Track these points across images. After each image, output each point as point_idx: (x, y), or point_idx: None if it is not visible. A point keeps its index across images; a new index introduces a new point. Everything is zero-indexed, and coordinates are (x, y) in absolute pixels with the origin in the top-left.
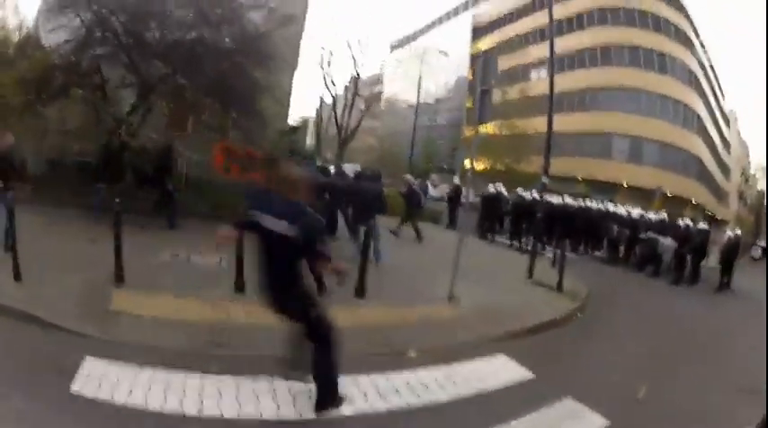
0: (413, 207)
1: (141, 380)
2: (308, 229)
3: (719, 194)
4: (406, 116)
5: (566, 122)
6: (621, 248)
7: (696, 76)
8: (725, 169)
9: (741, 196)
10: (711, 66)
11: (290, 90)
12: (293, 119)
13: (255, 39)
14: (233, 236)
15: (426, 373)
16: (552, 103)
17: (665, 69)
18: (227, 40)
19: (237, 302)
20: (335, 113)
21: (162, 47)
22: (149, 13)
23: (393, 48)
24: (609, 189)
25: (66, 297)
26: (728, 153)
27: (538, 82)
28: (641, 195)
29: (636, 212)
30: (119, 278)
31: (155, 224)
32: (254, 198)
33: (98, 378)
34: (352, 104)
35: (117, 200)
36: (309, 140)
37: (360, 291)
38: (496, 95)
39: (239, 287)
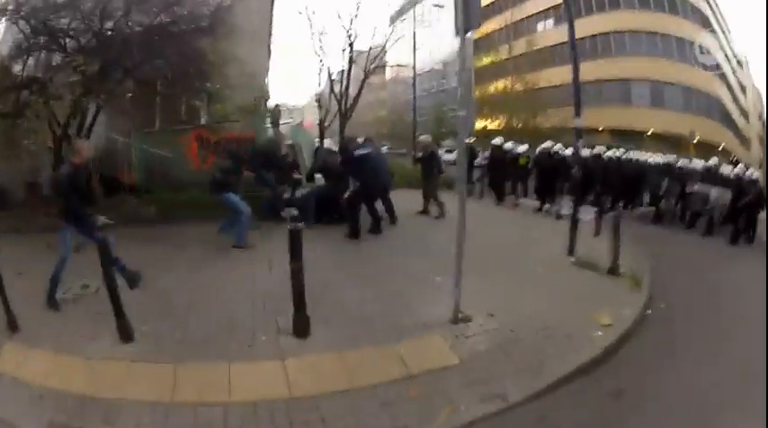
0: (432, 174)
1: None
2: None
3: (743, 139)
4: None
5: (581, 71)
6: (665, 203)
7: (708, 18)
8: (744, 113)
9: (761, 141)
10: (718, 6)
11: (265, 63)
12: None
13: (211, 14)
14: None
15: None
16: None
17: (676, 10)
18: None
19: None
20: (332, 86)
21: (99, 38)
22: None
23: (392, 20)
24: (632, 137)
25: None
26: (745, 96)
27: (545, 33)
28: (667, 142)
29: (681, 161)
30: (11, 326)
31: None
32: None
33: None
34: (349, 75)
35: None
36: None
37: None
38: (503, 51)
39: (125, 335)
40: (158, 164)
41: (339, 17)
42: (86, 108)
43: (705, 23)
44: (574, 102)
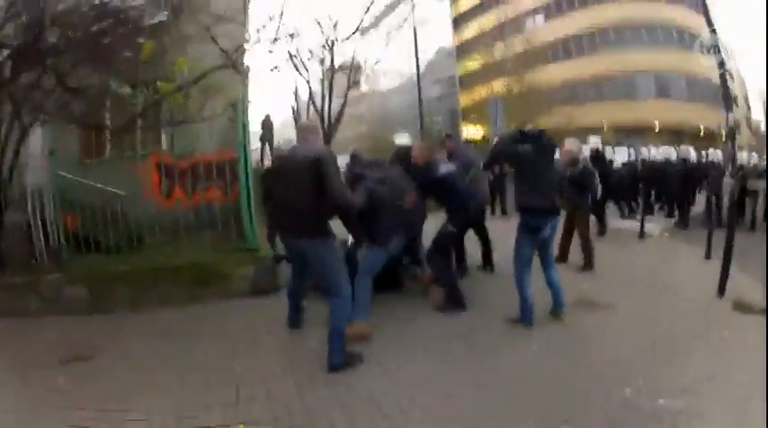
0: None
1: None
2: None
3: (736, 124)
4: (389, 95)
5: (582, 68)
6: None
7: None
8: (735, 98)
9: (748, 124)
10: None
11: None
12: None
13: None
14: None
15: None
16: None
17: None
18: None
19: None
20: (312, 99)
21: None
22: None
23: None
24: (638, 132)
25: None
26: (733, 80)
27: (536, 30)
28: (673, 135)
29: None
30: None
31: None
32: None
33: None
34: (331, 88)
35: None
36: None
37: None
38: (498, 51)
39: None
40: (106, 204)
41: (318, 24)
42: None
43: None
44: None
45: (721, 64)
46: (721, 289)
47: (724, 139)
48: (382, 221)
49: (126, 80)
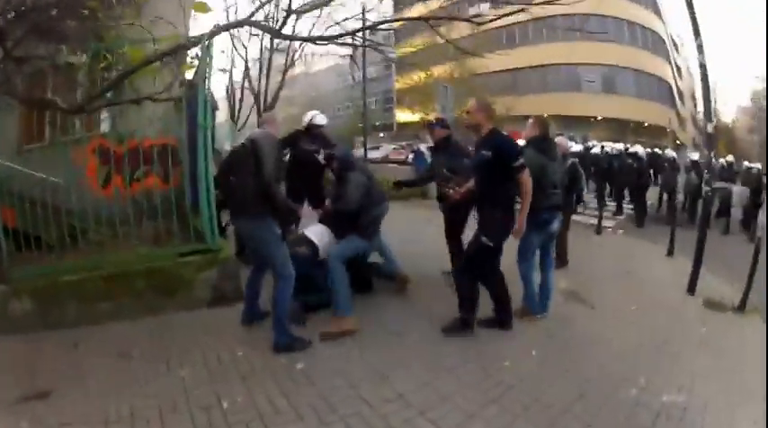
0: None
1: None
2: None
3: (681, 120)
4: (324, 79)
5: (527, 56)
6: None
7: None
8: (681, 95)
9: (695, 122)
10: None
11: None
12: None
13: None
14: None
15: None
16: None
17: None
18: None
19: None
20: (248, 76)
21: None
22: None
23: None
24: (581, 124)
25: None
26: (680, 78)
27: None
28: (617, 127)
29: (694, 156)
30: None
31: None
32: None
33: None
34: (269, 68)
35: None
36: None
37: None
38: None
39: None
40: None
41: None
42: None
43: (655, 8)
44: (704, 105)
45: (702, 66)
46: (692, 288)
47: (699, 143)
48: (371, 215)
49: (79, 48)
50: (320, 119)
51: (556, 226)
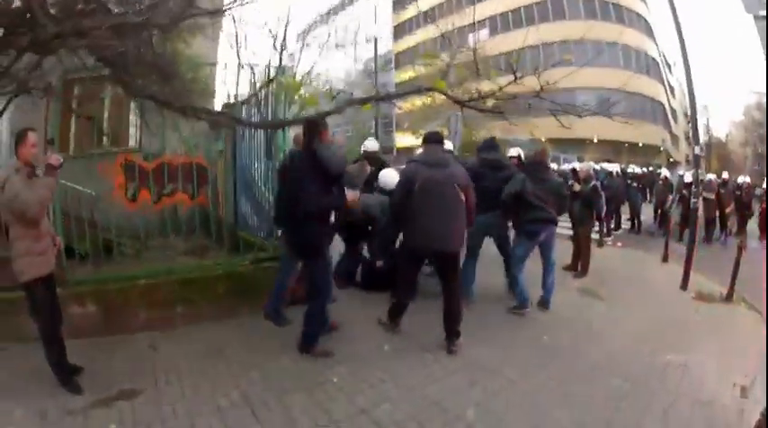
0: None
1: None
2: None
3: (674, 139)
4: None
5: (526, 81)
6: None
7: (651, 25)
8: (674, 113)
9: (688, 139)
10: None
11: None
12: None
13: None
14: None
15: None
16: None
17: (622, 19)
18: None
19: None
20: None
21: None
22: None
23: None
24: (577, 145)
25: None
26: (674, 97)
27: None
28: (612, 148)
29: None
30: None
31: None
32: None
33: None
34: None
35: None
36: None
37: None
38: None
39: None
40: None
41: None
42: None
43: (648, 31)
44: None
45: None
46: (684, 285)
47: (692, 160)
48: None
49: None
50: (371, 145)
51: (543, 236)
